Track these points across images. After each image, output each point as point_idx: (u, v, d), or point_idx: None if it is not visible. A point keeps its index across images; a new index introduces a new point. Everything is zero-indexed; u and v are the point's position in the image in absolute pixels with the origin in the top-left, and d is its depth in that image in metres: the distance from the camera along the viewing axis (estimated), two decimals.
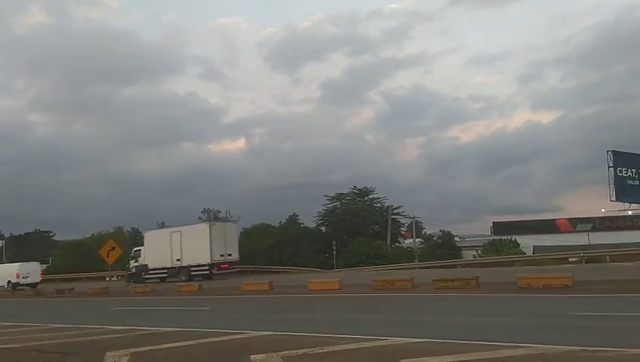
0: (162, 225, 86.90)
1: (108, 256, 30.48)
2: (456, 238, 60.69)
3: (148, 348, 9.41)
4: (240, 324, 12.52)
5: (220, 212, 78.87)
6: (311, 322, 13.06)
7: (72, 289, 32.88)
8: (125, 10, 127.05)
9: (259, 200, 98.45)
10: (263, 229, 62.11)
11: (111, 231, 68.88)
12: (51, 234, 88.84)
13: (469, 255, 53.78)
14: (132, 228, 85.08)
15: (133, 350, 9.17)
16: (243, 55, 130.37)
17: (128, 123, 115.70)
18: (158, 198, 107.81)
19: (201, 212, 78.91)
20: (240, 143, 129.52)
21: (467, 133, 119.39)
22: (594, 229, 60.40)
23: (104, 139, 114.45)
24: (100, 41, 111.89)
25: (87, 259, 53.78)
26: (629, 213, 39.95)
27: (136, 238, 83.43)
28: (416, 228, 61.63)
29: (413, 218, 60.97)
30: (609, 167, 37.99)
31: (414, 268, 38.62)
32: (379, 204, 61.71)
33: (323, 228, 60.16)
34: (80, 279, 47.38)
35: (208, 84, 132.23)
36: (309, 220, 63.39)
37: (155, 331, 11.95)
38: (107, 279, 35.60)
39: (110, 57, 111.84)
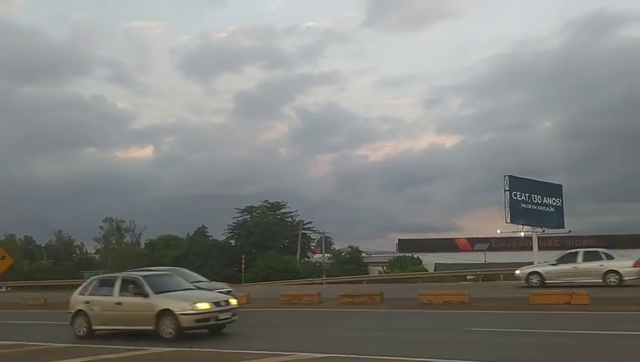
0: (59, 234, 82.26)
1: None
2: (364, 254, 62.04)
3: None
4: (141, 340, 12.00)
5: (124, 222, 75.80)
6: (215, 337, 12.77)
7: None
8: (30, 7, 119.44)
9: (166, 211, 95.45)
10: (169, 241, 60.30)
11: (1, 239, 64.12)
12: None
13: (375, 271, 55.18)
14: (25, 237, 79.75)
15: None
16: (155, 61, 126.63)
17: (26, 124, 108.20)
18: (57, 206, 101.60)
19: (103, 221, 75.40)
20: (148, 151, 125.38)
21: (376, 153, 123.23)
22: (490, 249, 63.91)
23: None
24: (0, 37, 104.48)
25: None
26: (522, 234, 42.66)
27: (29, 247, 78.21)
28: (326, 243, 62.42)
29: (323, 233, 61.81)
30: (505, 190, 40.43)
31: (322, 283, 38.97)
32: (290, 219, 62.05)
33: (232, 241, 59.46)
34: None
35: (116, 88, 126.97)
36: (218, 233, 62.44)
37: (47, 347, 11.19)
38: None
39: (9, 54, 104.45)
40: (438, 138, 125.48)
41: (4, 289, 40.25)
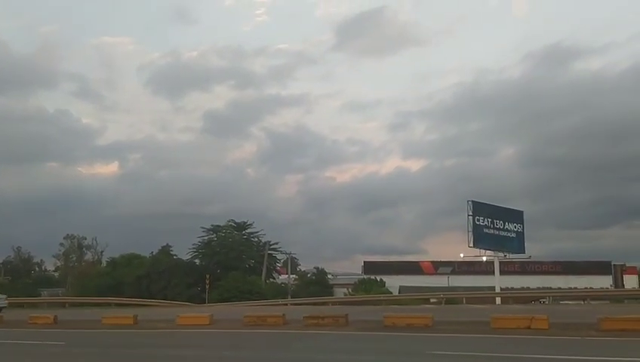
0: (18, 251, 79.56)
1: None
2: (329, 276, 61.90)
3: None
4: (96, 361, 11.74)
5: (85, 239, 73.78)
6: (175, 359, 12.59)
7: None
8: None
9: (130, 229, 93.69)
10: (131, 259, 59.08)
11: None
12: None
13: (340, 292, 55.12)
14: None
15: None
16: (123, 77, 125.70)
17: None
18: (16, 221, 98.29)
19: (64, 238, 73.26)
20: (113, 167, 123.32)
21: (343, 175, 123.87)
22: (453, 272, 64.80)
23: None
24: None
25: None
26: (484, 259, 43.47)
27: None
28: (292, 264, 62.04)
29: (289, 254, 61.43)
30: (468, 215, 41.37)
31: (287, 304, 38.75)
32: (256, 239, 61.57)
33: (197, 261, 58.60)
34: None
35: (83, 102, 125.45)
36: (182, 252, 61.48)
37: None
38: None
39: None
40: (403, 162, 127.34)
41: None
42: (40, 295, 56.34)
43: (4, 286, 55.00)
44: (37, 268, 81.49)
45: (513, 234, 42.47)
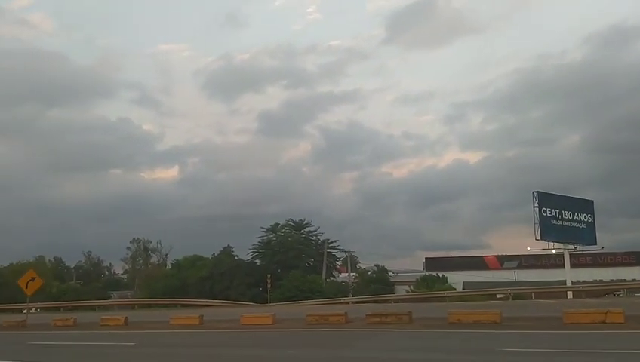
0: (88, 256, 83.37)
1: (27, 287, 28.58)
2: (390, 273, 61.30)
3: None
4: (165, 361, 11.95)
5: (151, 242, 76.36)
6: (241, 358, 12.66)
7: None
8: (57, 32, 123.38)
9: (192, 231, 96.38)
10: (194, 261, 60.60)
11: (31, 260, 65.24)
12: None
13: (401, 290, 54.46)
14: (54, 258, 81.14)
15: None
16: (180, 82, 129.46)
17: (54, 147, 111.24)
18: (84, 227, 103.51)
19: (130, 242, 76.09)
20: (173, 172, 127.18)
21: (399, 170, 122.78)
22: (520, 267, 62.75)
23: (27, 162, 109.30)
24: (28, 62, 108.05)
25: (4, 290, 50.51)
26: (553, 251, 41.66)
27: (58, 268, 79.40)
28: (351, 262, 61.83)
29: (349, 252, 61.25)
30: (534, 206, 39.71)
31: (348, 303, 38.55)
32: (314, 237, 61.69)
33: (258, 261, 59.35)
34: None
35: (142, 110, 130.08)
36: (243, 252, 62.54)
37: None
38: (25, 311, 33.38)
39: (37, 78, 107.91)
40: (462, 154, 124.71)
41: (33, 310, 40.76)
42: (110, 297, 58.77)
43: (77, 290, 57.64)
44: (106, 272, 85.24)
45: (583, 225, 40.43)
